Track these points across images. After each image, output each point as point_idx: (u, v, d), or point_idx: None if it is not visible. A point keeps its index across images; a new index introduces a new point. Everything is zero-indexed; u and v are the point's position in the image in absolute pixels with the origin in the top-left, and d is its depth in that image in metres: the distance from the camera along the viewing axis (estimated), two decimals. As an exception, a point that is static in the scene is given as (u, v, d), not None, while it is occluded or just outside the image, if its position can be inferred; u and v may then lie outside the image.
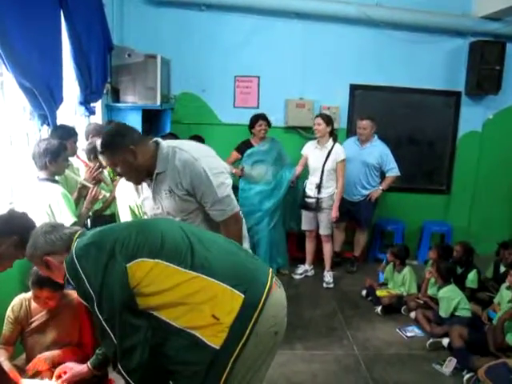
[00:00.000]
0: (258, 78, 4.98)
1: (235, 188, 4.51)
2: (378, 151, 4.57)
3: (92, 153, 3.14)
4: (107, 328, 1.49)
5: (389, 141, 4.69)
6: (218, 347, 1.46)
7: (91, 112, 3.92)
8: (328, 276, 4.50)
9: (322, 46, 4.95)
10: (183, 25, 4.78)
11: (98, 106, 4.18)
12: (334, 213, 4.28)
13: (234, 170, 4.45)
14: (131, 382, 1.50)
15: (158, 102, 4.33)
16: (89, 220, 3.19)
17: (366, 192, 4.63)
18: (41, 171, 2.70)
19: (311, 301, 4.16)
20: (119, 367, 1.50)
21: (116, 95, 4.41)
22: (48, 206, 2.61)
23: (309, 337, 3.48)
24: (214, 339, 1.46)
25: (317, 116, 4.37)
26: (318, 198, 4.34)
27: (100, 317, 1.49)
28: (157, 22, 4.72)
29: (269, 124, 4.52)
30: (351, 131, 5.10)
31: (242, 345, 1.47)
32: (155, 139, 2.14)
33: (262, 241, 4.53)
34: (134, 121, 4.31)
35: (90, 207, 2.84)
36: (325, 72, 4.99)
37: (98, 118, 4.14)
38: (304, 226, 4.58)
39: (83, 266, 1.50)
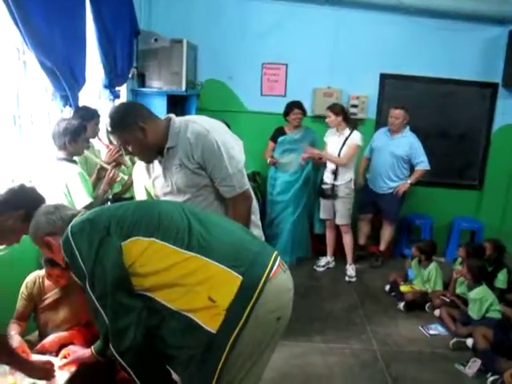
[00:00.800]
0: (286, 65, 4.88)
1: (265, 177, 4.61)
2: (407, 143, 4.40)
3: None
4: (99, 307, 1.44)
5: (419, 133, 4.49)
6: (214, 331, 1.39)
7: (116, 96, 3.92)
8: (350, 269, 4.39)
9: (352, 33, 4.81)
10: (211, 10, 4.74)
11: (122, 90, 4.19)
12: (309, 151, 4.25)
13: (268, 159, 4.46)
14: (124, 363, 1.45)
15: (184, 88, 4.30)
16: (109, 203, 3.20)
17: (393, 184, 4.47)
18: (59, 151, 2.70)
19: (332, 294, 4.06)
20: (111, 348, 1.46)
21: (142, 80, 4.40)
22: (65, 185, 2.61)
23: (327, 330, 3.39)
24: (211, 322, 1.40)
25: (327, 108, 4.27)
26: (333, 185, 4.24)
27: (92, 295, 1.44)
28: (185, 8, 4.69)
29: (304, 112, 4.43)
30: (380, 122, 4.95)
31: (239, 329, 1.40)
32: (168, 115, 2.08)
33: (285, 230, 4.48)
34: (159, 106, 4.31)
35: (106, 189, 2.83)
36: (354, 60, 4.84)
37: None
38: (322, 215, 4.49)
39: (77, 243, 1.45)
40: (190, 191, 2.05)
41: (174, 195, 2.07)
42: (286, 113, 4.43)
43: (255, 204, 2.28)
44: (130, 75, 4.20)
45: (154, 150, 2.01)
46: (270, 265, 1.50)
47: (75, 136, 2.68)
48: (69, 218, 1.61)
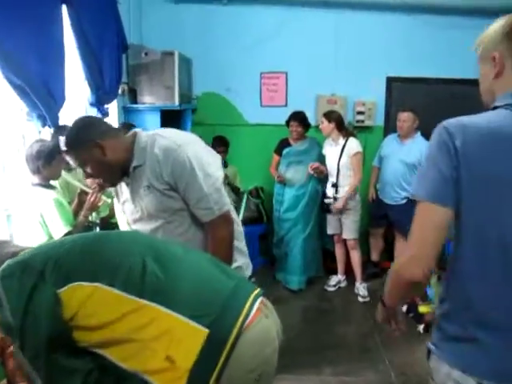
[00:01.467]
0: (286, 73, 4.63)
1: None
2: (418, 148, 4.07)
3: None
4: (32, 371, 1.16)
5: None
6: None
7: (104, 113, 3.70)
8: (361, 288, 4.07)
9: (354, 36, 4.54)
10: (204, 21, 4.52)
11: (113, 107, 3.98)
12: (339, 203, 3.92)
13: (276, 176, 4.20)
14: None
15: (177, 102, 4.07)
16: (98, 228, 2.96)
17: (405, 194, 4.15)
18: (34, 175, 2.47)
19: (344, 316, 3.74)
20: None
21: (134, 96, 4.19)
22: (40, 214, 2.37)
23: (339, 359, 3.07)
24: None
25: (322, 114, 4.05)
26: (335, 198, 3.95)
27: (23, 356, 1.17)
28: (177, 19, 4.48)
29: (303, 124, 4.16)
30: (388, 128, 4.65)
31: None
32: (134, 130, 1.83)
33: (295, 249, 4.19)
34: (153, 122, 4.09)
35: (87, 215, 2.58)
36: (358, 65, 4.57)
37: (113, 121, 3.92)
38: (329, 230, 4.19)
39: (6, 289, 1.19)
40: (162, 216, 1.77)
41: (145, 222, 1.80)
42: (287, 124, 4.18)
43: (240, 229, 1.99)
44: (120, 91, 4.00)
45: (116, 170, 1.74)
46: (245, 310, 1.22)
47: (49, 159, 2.44)
48: (7, 257, 1.34)
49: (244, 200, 4.66)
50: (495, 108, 1.14)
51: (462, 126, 1.08)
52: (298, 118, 4.12)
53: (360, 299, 4.00)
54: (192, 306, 1.19)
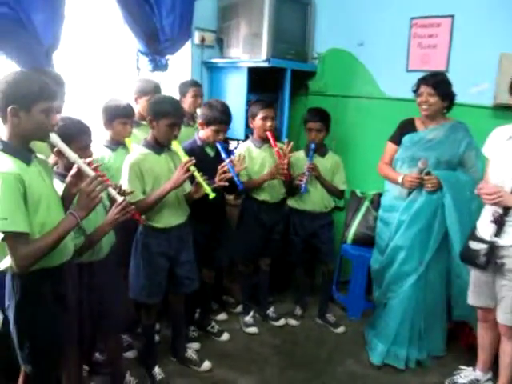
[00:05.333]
0: (452, 18, 2.85)
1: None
2: None
3: None
4: None
5: None
6: None
7: (159, 66, 2.92)
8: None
9: None
10: None
11: (186, 61, 3.15)
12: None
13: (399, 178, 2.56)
14: None
15: (264, 56, 2.95)
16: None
17: None
18: None
19: None
20: None
21: (221, 49, 3.27)
22: None
23: None
24: None
25: None
26: (493, 245, 2.07)
27: None
28: None
29: (442, 93, 2.43)
30: None
31: None
32: None
33: (398, 306, 2.57)
34: (237, 85, 3.11)
35: None
36: None
37: (180, 78, 3.08)
38: (471, 298, 2.28)
39: None
40: None
41: None
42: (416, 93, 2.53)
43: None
44: (197, 41, 3.13)
45: None
46: None
47: None
48: None
49: (363, 209, 3.21)
50: None
51: None
52: (434, 80, 2.41)
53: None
54: None
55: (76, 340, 1.85)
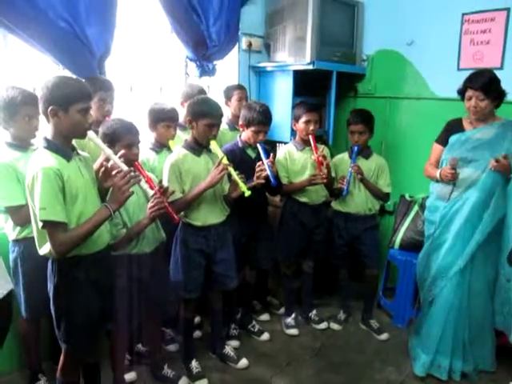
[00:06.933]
0: (507, 11, 2.69)
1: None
2: None
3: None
4: None
5: None
6: None
7: (206, 71, 3.03)
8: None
9: None
10: None
11: (233, 66, 3.24)
12: None
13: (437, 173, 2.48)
14: None
15: (308, 59, 2.97)
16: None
17: None
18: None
19: None
20: None
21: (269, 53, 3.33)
22: None
23: None
24: None
25: None
26: None
27: None
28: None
29: (491, 92, 2.32)
30: None
31: None
32: None
33: (440, 312, 2.44)
34: (283, 88, 3.15)
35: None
36: None
37: (229, 82, 3.17)
38: None
39: None
40: None
41: None
42: (461, 94, 2.41)
43: None
44: (244, 46, 3.21)
45: None
46: None
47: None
48: None
49: (412, 214, 3.12)
50: None
51: None
52: (482, 82, 2.29)
53: None
54: None
55: (123, 328, 2.00)
